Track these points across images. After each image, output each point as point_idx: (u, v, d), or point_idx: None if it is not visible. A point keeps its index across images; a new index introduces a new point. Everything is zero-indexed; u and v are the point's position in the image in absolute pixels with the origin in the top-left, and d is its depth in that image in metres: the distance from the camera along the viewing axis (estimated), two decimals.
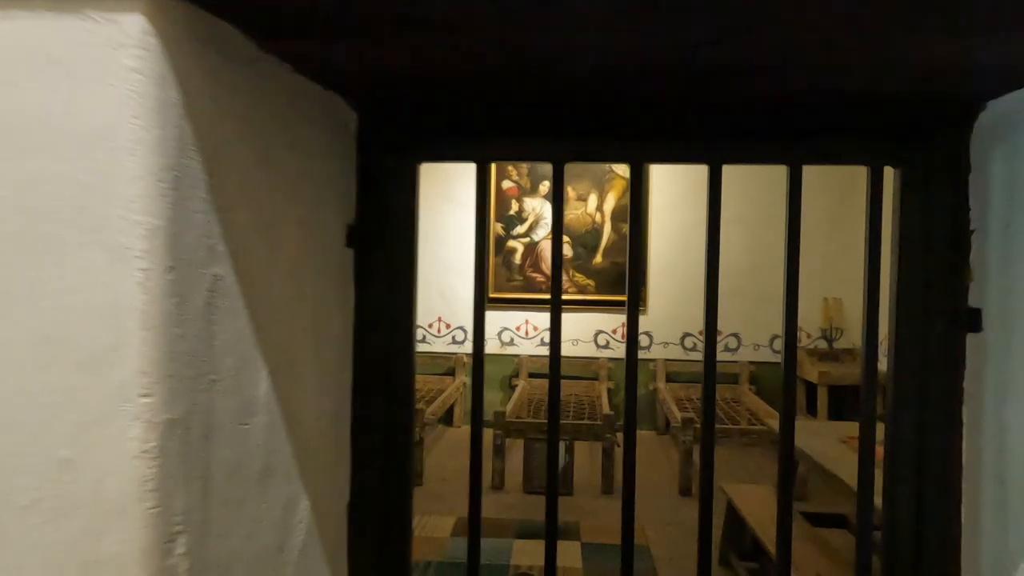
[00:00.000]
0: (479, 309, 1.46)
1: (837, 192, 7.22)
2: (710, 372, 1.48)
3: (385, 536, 1.43)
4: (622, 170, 7.50)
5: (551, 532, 1.49)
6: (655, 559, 4.19)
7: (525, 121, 1.39)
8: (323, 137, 1.31)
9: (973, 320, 1.35)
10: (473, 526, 1.45)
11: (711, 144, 1.38)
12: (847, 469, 3.10)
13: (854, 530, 4.13)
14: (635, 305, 1.48)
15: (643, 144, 1.40)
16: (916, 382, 1.40)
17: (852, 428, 4.09)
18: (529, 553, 4.28)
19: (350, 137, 1.44)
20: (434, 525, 4.67)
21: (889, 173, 1.45)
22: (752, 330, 7.36)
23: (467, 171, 7.59)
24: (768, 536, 3.46)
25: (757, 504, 3.87)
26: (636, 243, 1.43)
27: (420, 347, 7.61)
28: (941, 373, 1.37)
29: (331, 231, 1.37)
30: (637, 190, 1.43)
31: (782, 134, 1.38)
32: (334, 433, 1.39)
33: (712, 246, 1.43)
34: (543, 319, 7.58)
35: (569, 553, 4.30)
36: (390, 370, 1.44)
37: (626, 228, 7.64)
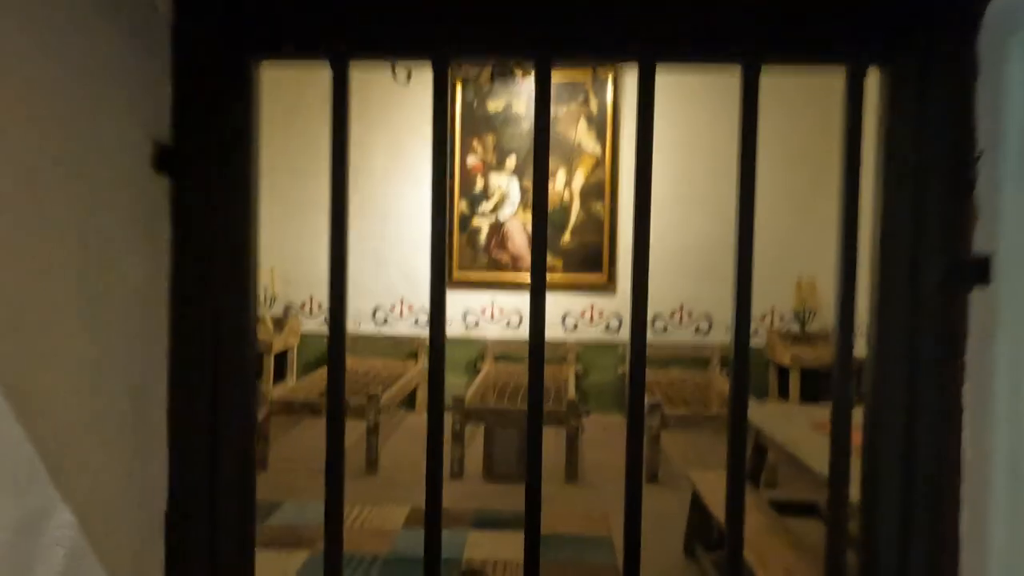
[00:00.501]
0: (338, 268, 1.10)
1: (812, 165, 6.94)
2: (639, 338, 1.15)
3: (216, 550, 1.10)
4: (591, 147, 7.18)
5: (432, 518, 1.17)
6: (617, 551, 3.90)
7: (395, 5, 1.04)
8: (115, 19, 0.96)
9: (979, 270, 1.03)
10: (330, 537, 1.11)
11: (640, 37, 1.04)
12: (819, 457, 2.82)
13: (826, 519, 3.86)
14: (541, 270, 1.13)
15: (552, 35, 1.06)
16: (903, 351, 1.08)
17: (825, 413, 3.81)
18: (484, 546, 3.96)
19: (161, 24, 1.08)
20: (385, 516, 4.34)
21: (873, 87, 1.13)
22: (726, 311, 7.08)
23: (428, 146, 7.21)
24: None
25: (723, 492, 3.58)
26: (542, 168, 1.08)
27: (381, 330, 7.25)
28: (936, 339, 1.06)
29: (130, 147, 1.01)
30: (545, 94, 1.09)
31: (734, 24, 1.05)
32: (141, 421, 1.06)
33: (643, 166, 1.08)
34: (510, 300, 7.25)
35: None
36: (221, 338, 1.09)
37: (597, 207, 7.31)
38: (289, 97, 7.19)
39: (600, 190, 7.16)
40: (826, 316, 6.87)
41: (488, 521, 4.29)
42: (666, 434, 5.34)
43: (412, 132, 7.20)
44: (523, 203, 7.23)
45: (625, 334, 7.07)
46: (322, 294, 7.31)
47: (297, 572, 3.55)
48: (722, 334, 7.08)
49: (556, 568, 3.68)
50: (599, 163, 7.18)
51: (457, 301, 7.23)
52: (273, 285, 7.09)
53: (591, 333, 7.20)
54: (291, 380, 6.89)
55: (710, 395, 6.25)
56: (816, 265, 6.93)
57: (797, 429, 3.26)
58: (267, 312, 7.01)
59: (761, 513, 3.26)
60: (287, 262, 7.24)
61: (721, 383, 6.48)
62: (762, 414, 3.76)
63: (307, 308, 7.33)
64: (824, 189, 6.95)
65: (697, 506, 3.70)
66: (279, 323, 7.02)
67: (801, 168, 7.00)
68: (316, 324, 7.30)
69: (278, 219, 7.22)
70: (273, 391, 6.04)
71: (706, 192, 7.03)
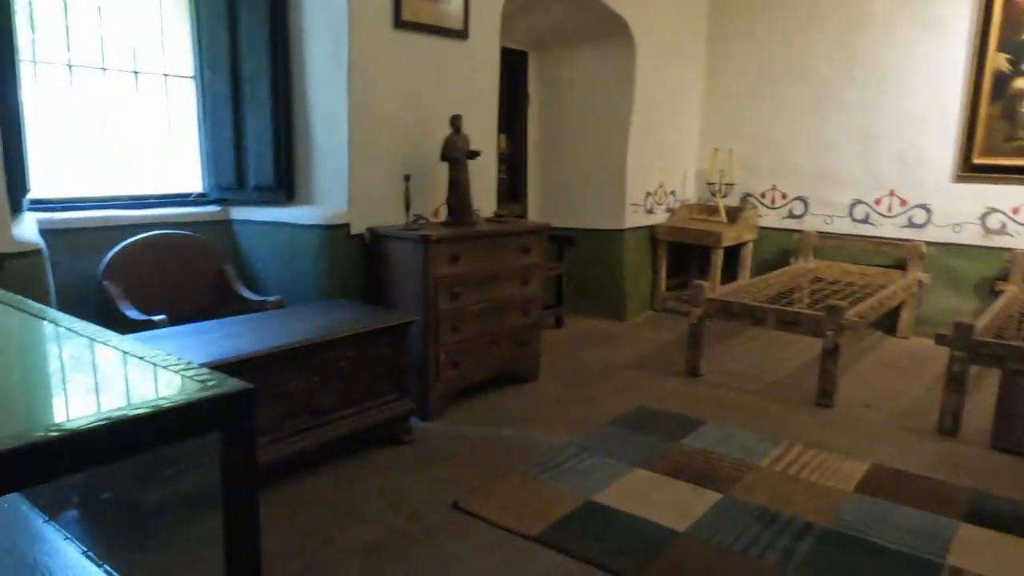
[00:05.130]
0: None
1: None
2: None
3: None
4: None
5: None
6: None
7: None
8: None
9: None
10: None
11: None
12: None
13: None
14: None
15: None
16: None
17: None
18: (979, 550, 2.63)
19: None
20: (835, 470, 3.28)
21: None
22: None
23: None
24: None
25: None
26: None
27: (862, 229, 5.76)
28: None
29: None
30: None
31: None
32: None
33: None
34: None
35: None
36: None
37: None
38: None
39: None
40: None
41: (991, 512, 2.90)
42: None
43: None
44: None
45: None
46: (787, 184, 6.14)
47: (703, 514, 2.82)
48: None
49: None
50: None
51: (974, 195, 5.31)
52: (732, 171, 6.19)
53: None
54: (743, 280, 6.03)
55: None
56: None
57: None
58: (720, 201, 6.19)
59: None
60: (749, 146, 6.24)
61: None
62: None
63: (768, 198, 6.28)
64: None
65: None
66: (734, 214, 6.15)
67: None
68: (777, 218, 6.22)
69: (741, 98, 6.21)
70: (717, 289, 5.27)
71: None
